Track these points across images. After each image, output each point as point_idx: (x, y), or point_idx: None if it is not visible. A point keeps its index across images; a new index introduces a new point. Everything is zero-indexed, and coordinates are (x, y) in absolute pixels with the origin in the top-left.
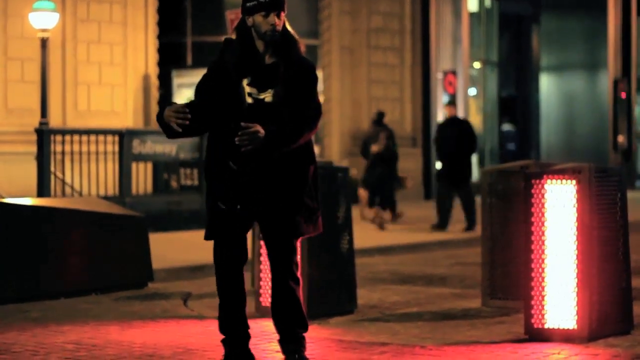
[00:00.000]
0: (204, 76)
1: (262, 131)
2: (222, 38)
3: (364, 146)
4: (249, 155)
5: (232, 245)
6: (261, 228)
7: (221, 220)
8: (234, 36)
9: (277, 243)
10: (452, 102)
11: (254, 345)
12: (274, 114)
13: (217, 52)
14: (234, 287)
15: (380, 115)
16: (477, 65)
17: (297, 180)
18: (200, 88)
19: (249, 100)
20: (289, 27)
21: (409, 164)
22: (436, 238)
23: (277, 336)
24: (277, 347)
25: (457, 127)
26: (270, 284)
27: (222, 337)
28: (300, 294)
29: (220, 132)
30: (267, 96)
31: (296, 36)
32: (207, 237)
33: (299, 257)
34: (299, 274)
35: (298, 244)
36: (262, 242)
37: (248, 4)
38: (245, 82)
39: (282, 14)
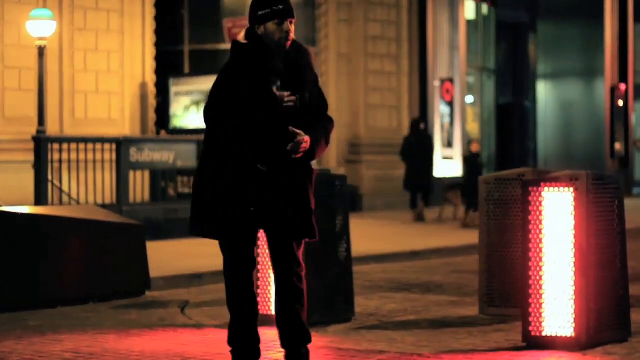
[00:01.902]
0: (223, 81)
1: (309, 141)
2: (220, 46)
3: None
4: (278, 158)
5: (245, 252)
6: (271, 233)
7: (236, 226)
8: (242, 41)
9: (286, 246)
10: None
11: None
12: (297, 118)
13: (228, 56)
14: (246, 297)
15: (418, 122)
16: (473, 72)
17: (309, 184)
18: (222, 92)
19: (280, 105)
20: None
21: None
22: (433, 246)
23: (274, 343)
24: (275, 355)
25: None
26: (267, 292)
27: (221, 343)
28: (306, 307)
29: (248, 134)
30: (293, 100)
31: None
32: (220, 238)
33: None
34: (304, 285)
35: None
36: (259, 251)
37: (260, 13)
38: (274, 87)
39: (294, 21)
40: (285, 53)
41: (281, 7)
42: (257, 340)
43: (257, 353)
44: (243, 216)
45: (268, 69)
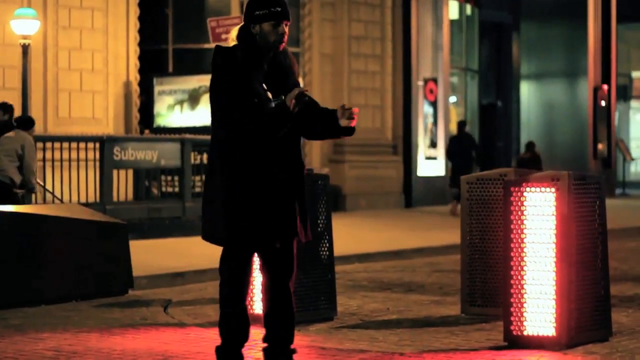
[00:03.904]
0: (236, 84)
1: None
2: (204, 45)
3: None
4: (290, 163)
5: (248, 261)
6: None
7: (254, 235)
8: (230, 43)
9: (286, 251)
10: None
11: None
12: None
13: (220, 57)
14: (242, 299)
15: (463, 124)
16: (457, 72)
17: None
18: (248, 95)
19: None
20: None
21: (390, 172)
22: (415, 245)
23: (257, 343)
24: (257, 354)
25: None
26: (251, 290)
27: (207, 342)
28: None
29: (263, 141)
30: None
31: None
32: (238, 246)
33: None
34: (291, 287)
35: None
36: None
37: (257, 12)
38: (265, 87)
39: (289, 24)
40: (273, 55)
41: (279, 9)
42: (246, 339)
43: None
44: (275, 227)
45: (259, 71)
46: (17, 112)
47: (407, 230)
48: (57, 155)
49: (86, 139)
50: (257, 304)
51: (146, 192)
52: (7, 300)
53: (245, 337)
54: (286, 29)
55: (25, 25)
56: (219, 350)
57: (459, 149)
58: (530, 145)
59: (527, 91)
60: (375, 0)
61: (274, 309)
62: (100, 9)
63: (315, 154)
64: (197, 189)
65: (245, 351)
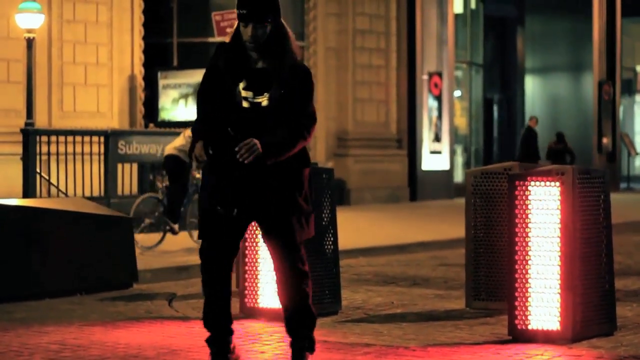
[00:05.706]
0: (202, 83)
1: (258, 143)
2: (209, 39)
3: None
4: (250, 161)
5: (223, 248)
6: (261, 229)
7: (217, 223)
8: (227, 40)
9: (277, 244)
10: None
11: (238, 346)
12: (270, 118)
13: (210, 56)
14: (219, 284)
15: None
16: (461, 67)
17: (293, 183)
18: (202, 97)
19: (245, 104)
20: (287, 29)
21: (394, 166)
22: (420, 239)
23: (261, 337)
24: (262, 348)
25: None
26: (255, 284)
27: (207, 335)
28: (310, 289)
29: (221, 137)
30: (264, 100)
31: (292, 40)
32: (201, 237)
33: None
34: (306, 267)
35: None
36: (247, 244)
37: (236, 11)
38: (241, 86)
39: (267, 25)
40: (267, 48)
41: (244, 11)
42: (229, 321)
43: (230, 331)
44: (226, 217)
45: (237, 68)
46: (21, 106)
47: (412, 224)
48: (61, 148)
49: (91, 132)
50: (261, 298)
51: (151, 186)
52: (12, 293)
53: (226, 322)
54: (251, 32)
55: (30, 19)
56: (209, 340)
57: (521, 143)
58: (561, 136)
59: (531, 85)
60: None
61: (282, 287)
62: (104, 3)
63: (319, 147)
64: None
65: (248, 345)
